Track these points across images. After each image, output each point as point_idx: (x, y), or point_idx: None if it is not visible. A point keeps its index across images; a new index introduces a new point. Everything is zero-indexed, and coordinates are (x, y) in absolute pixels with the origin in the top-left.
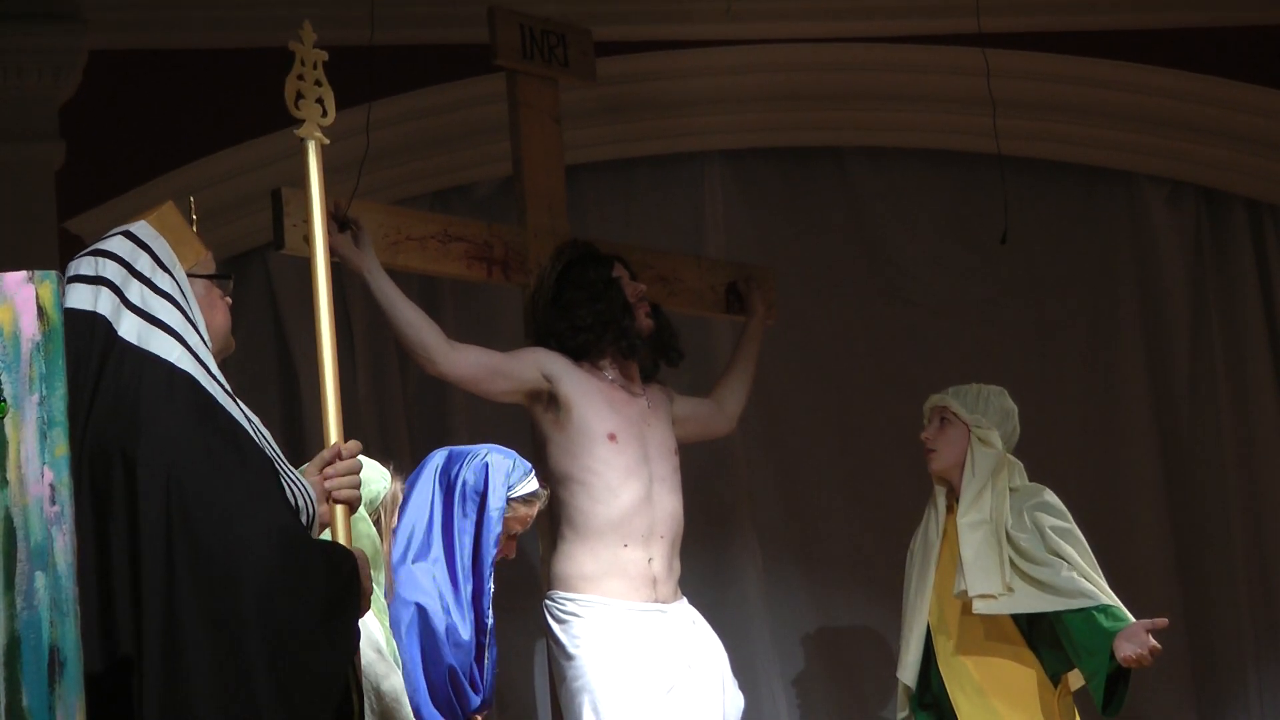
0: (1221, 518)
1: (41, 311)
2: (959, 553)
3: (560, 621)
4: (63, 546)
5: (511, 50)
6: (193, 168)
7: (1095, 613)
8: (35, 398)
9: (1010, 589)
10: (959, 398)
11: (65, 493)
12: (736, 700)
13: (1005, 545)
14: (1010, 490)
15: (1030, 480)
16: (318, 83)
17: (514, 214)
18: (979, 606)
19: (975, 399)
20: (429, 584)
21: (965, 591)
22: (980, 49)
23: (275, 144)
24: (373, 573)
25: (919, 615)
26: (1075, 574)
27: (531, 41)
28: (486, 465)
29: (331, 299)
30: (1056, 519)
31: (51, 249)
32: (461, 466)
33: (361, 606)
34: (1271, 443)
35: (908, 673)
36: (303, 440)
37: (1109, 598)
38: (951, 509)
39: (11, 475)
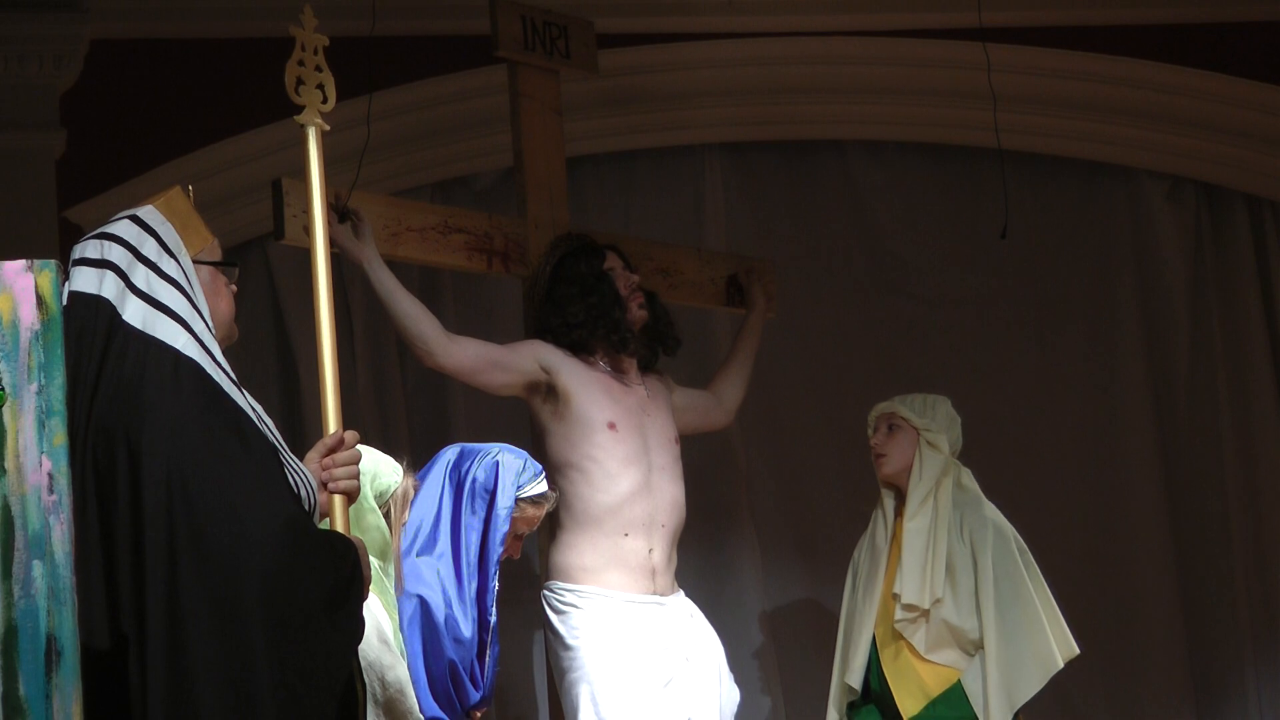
0: (1220, 513)
1: (41, 300)
2: (902, 554)
3: (559, 612)
4: (60, 536)
5: (513, 41)
6: (193, 157)
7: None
8: (34, 387)
9: (939, 600)
10: (907, 405)
11: (63, 482)
12: (733, 694)
13: (943, 556)
14: (959, 488)
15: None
16: (318, 68)
17: (514, 205)
18: (899, 619)
19: (924, 405)
20: (432, 578)
21: (898, 596)
22: (981, 43)
23: (276, 134)
24: (383, 564)
25: (868, 619)
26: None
27: (533, 33)
28: (497, 464)
29: (331, 284)
30: (993, 540)
31: (51, 238)
32: (472, 464)
33: (364, 595)
34: (1270, 438)
35: (855, 676)
36: (302, 431)
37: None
38: (900, 513)
39: (10, 464)
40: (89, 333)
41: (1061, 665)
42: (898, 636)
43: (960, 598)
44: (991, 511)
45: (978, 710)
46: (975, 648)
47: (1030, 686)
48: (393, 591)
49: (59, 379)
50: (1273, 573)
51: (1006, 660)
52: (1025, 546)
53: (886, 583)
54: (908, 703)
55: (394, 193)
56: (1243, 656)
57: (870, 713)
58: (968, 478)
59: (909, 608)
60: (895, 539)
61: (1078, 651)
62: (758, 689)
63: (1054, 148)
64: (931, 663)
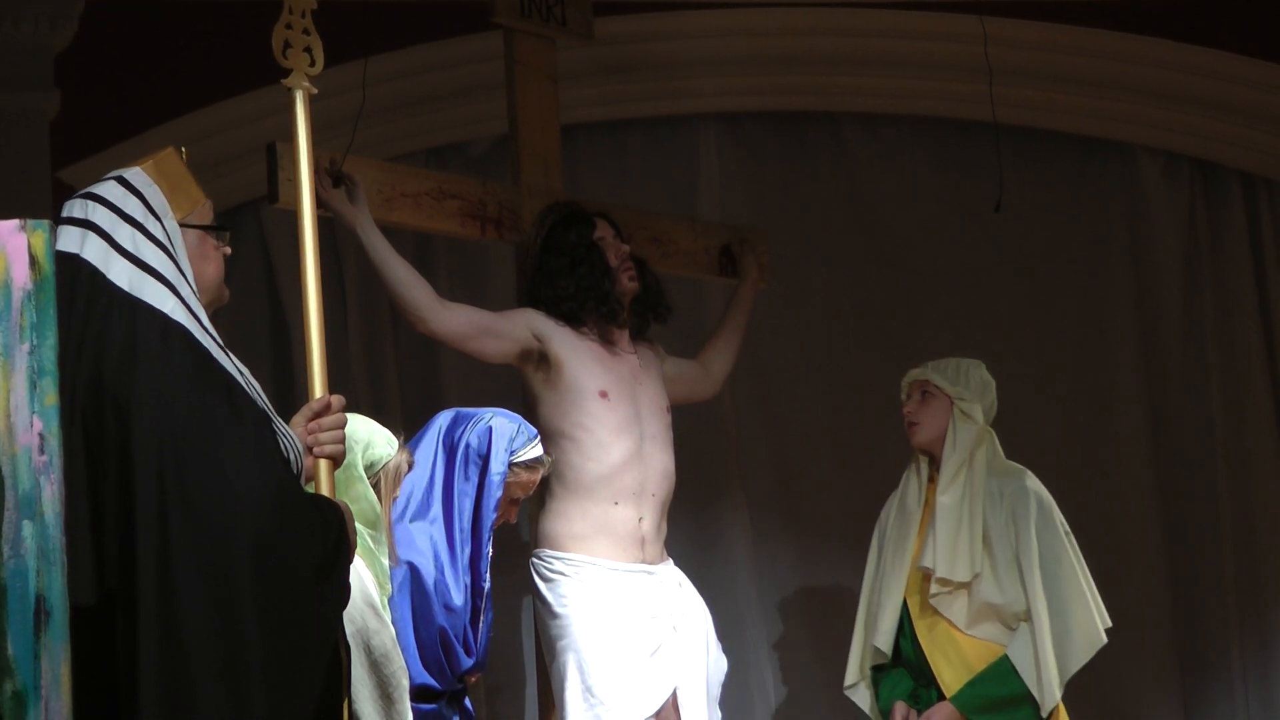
0: (1209, 491)
1: (33, 261)
2: (935, 527)
3: (547, 580)
4: (51, 496)
5: (510, 8)
6: (188, 119)
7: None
8: (26, 347)
9: (977, 574)
10: (940, 372)
11: (54, 442)
12: (720, 663)
13: (979, 528)
14: (995, 457)
15: (1020, 452)
16: (306, 31)
17: (509, 172)
18: (935, 593)
19: (956, 372)
20: (425, 544)
21: (930, 569)
22: (978, 16)
23: (271, 97)
24: (374, 534)
25: (896, 583)
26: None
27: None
28: (490, 429)
29: (318, 249)
30: (1036, 512)
31: (45, 199)
32: (465, 429)
33: (350, 559)
34: (1261, 415)
35: (884, 639)
36: (294, 394)
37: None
38: (933, 479)
39: (1, 424)
40: (66, 293)
41: (1105, 640)
42: (933, 609)
43: (1000, 571)
44: (1033, 482)
45: (1029, 683)
46: (1017, 620)
47: (1080, 658)
48: (384, 561)
49: (51, 339)
50: (1261, 552)
51: (1056, 632)
52: (1065, 520)
53: (916, 550)
54: (948, 675)
55: (389, 158)
56: (1229, 637)
57: (901, 675)
58: (997, 449)
59: (943, 582)
60: (927, 505)
61: (1110, 625)
62: (747, 657)
63: (1049, 122)
64: (972, 637)
